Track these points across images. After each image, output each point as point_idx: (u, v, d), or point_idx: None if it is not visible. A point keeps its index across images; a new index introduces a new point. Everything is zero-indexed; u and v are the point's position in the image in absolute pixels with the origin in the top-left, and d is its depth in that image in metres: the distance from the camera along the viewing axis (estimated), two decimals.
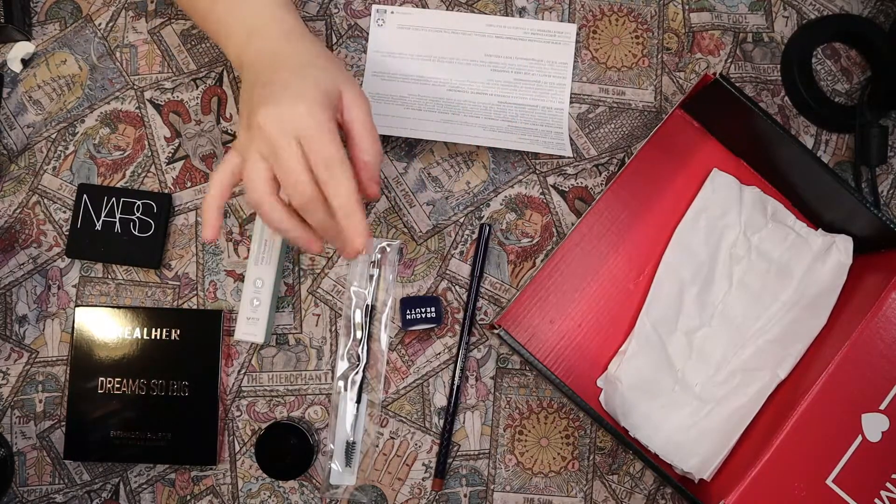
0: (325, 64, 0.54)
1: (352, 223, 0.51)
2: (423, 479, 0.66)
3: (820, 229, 0.66)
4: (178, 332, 0.65)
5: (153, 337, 0.65)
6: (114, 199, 0.67)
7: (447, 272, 0.68)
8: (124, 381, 0.65)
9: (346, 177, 0.50)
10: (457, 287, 0.67)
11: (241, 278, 0.67)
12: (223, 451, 0.66)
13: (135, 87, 0.69)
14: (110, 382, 0.64)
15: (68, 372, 0.65)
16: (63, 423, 0.65)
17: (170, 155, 0.69)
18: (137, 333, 0.65)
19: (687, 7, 0.71)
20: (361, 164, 0.54)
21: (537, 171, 0.69)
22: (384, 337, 0.67)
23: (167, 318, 0.65)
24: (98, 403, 0.64)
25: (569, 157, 0.69)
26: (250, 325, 0.64)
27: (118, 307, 0.65)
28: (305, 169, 0.50)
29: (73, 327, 0.65)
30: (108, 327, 0.65)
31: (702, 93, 0.63)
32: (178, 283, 0.67)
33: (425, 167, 0.69)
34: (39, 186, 0.68)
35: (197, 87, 0.69)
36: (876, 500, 0.56)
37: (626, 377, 0.63)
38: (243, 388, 0.66)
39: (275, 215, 0.52)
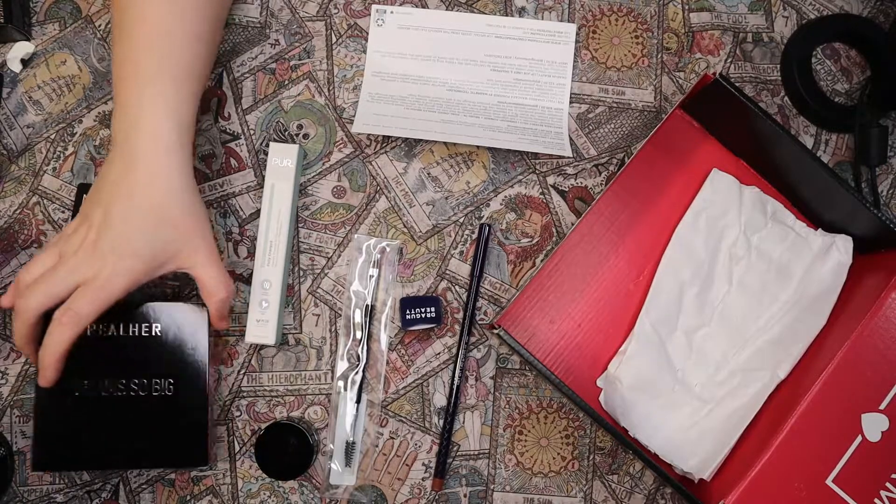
0: (181, 234, 0.57)
1: (43, 367, 0.55)
2: (423, 479, 0.66)
3: (820, 229, 0.66)
4: (159, 326, 0.62)
5: (131, 333, 0.61)
6: None
7: (447, 272, 0.68)
8: (102, 382, 0.60)
9: (65, 336, 0.54)
10: (457, 287, 0.67)
11: (241, 278, 0.67)
12: (219, 451, 0.66)
13: None
14: (86, 385, 0.60)
15: (35, 375, 0.61)
16: None
17: None
18: (113, 329, 0.61)
19: (687, 7, 0.71)
20: (213, 309, 0.60)
21: (537, 171, 0.69)
22: (384, 337, 0.67)
23: (145, 313, 0.62)
24: (72, 408, 0.60)
25: (569, 157, 0.69)
26: (260, 328, 0.63)
27: None
28: (46, 301, 0.54)
29: None
30: None
31: (702, 93, 0.63)
32: (177, 283, 0.67)
33: (425, 167, 0.69)
34: (39, 187, 0.68)
35: None
36: (876, 500, 0.56)
37: (626, 377, 0.63)
38: (243, 389, 0.66)
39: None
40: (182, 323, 0.62)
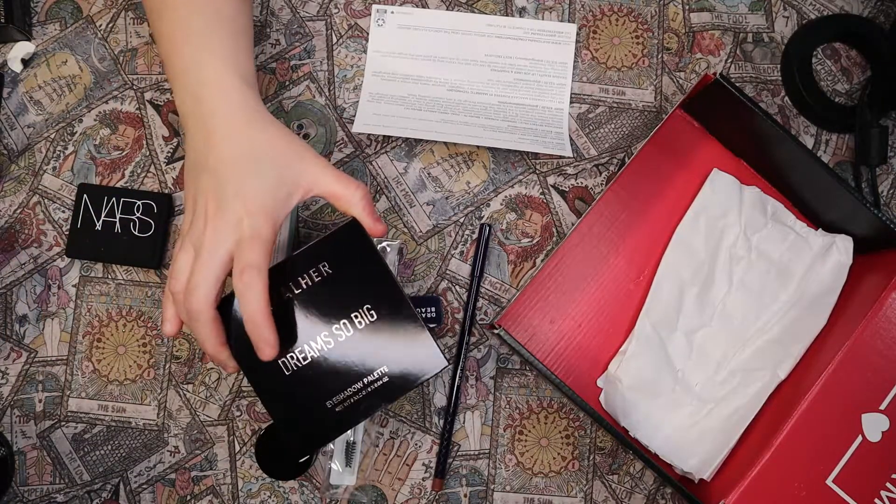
0: (287, 160, 0.54)
1: (258, 334, 0.50)
2: (423, 479, 0.66)
3: (820, 229, 0.66)
4: (327, 265, 0.55)
5: (305, 285, 0.55)
6: (114, 199, 0.67)
7: (447, 272, 0.68)
8: (304, 346, 0.54)
9: (257, 289, 0.50)
10: (457, 287, 0.67)
11: None
12: (219, 451, 0.66)
13: (135, 87, 0.69)
14: (292, 357, 0.54)
15: (244, 378, 0.54)
16: (63, 423, 0.65)
17: (168, 155, 0.69)
18: (286, 293, 0.55)
19: (687, 7, 0.71)
20: (360, 212, 0.55)
21: (537, 171, 0.69)
22: None
23: (306, 260, 0.55)
24: (294, 386, 0.54)
25: (569, 157, 0.69)
26: None
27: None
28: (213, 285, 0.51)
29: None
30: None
31: (702, 93, 0.63)
32: None
33: (425, 167, 0.69)
34: (40, 187, 0.68)
35: None
36: (876, 500, 0.56)
37: (626, 377, 0.63)
38: (243, 388, 0.66)
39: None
40: (344, 247, 0.55)
